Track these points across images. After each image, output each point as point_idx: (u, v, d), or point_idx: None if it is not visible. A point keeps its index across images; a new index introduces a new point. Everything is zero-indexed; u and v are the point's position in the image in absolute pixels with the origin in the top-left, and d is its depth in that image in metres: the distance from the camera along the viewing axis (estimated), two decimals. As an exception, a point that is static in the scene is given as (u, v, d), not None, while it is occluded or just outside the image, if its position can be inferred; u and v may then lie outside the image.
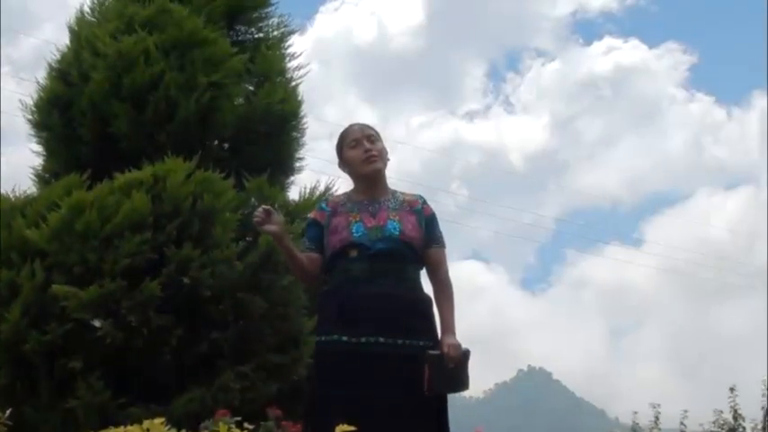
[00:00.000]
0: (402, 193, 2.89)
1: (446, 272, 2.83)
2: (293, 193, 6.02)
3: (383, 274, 2.67)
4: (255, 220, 2.64)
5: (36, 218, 4.93)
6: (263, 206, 2.66)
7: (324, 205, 2.86)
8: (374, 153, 2.81)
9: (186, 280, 4.75)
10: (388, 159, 2.88)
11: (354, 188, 2.89)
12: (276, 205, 5.09)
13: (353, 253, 2.70)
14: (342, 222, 2.76)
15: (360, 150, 2.81)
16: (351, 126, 2.91)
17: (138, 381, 4.72)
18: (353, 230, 2.73)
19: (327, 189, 5.69)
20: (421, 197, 2.92)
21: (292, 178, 6.27)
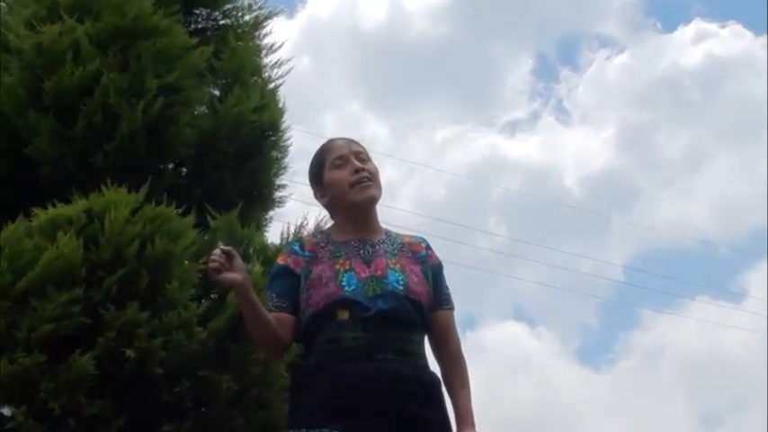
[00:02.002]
0: (398, 234, 2.91)
1: (459, 344, 2.85)
2: (273, 234, 6.35)
3: (384, 346, 2.64)
4: (212, 266, 2.56)
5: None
6: (222, 246, 2.59)
7: (297, 247, 2.83)
8: (366, 175, 2.80)
9: (130, 353, 4.62)
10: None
11: (336, 225, 2.90)
12: (252, 249, 5.22)
13: (343, 315, 2.67)
14: (326, 272, 2.73)
15: (348, 171, 2.80)
16: (332, 141, 2.92)
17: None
18: (344, 283, 2.70)
19: (317, 228, 5.62)
20: (424, 240, 2.93)
21: (272, 213, 6.33)
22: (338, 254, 2.79)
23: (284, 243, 5.61)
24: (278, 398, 5.05)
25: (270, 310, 2.72)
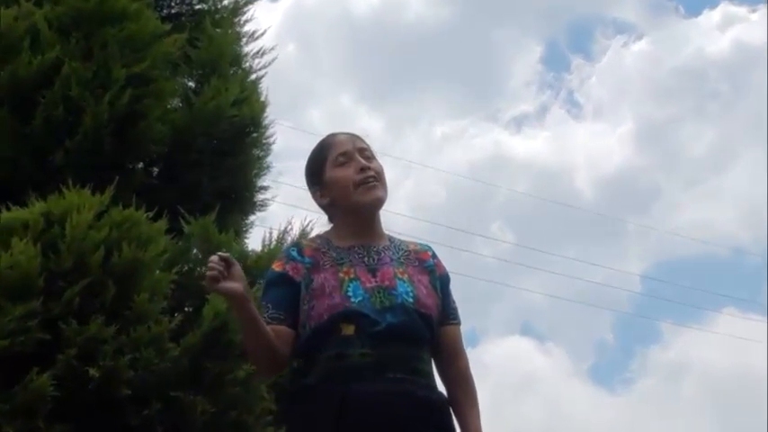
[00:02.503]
0: (402, 241, 2.91)
1: (467, 361, 2.86)
2: (254, 241, 6.17)
3: (395, 364, 2.63)
4: (210, 274, 2.53)
5: None
6: (221, 253, 2.58)
7: (295, 252, 2.80)
8: (373, 174, 2.80)
9: (94, 372, 4.54)
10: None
11: (336, 229, 2.87)
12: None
13: (348, 329, 2.65)
14: (330, 280, 2.71)
15: (352, 169, 2.79)
16: (333, 135, 2.91)
17: None
18: (349, 293, 2.69)
19: (303, 233, 5.63)
20: (430, 248, 2.94)
21: (253, 218, 6.31)
22: (341, 261, 2.77)
23: (266, 250, 5.61)
24: (259, 422, 5.06)
25: (266, 323, 2.69)
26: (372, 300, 2.70)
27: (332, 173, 2.84)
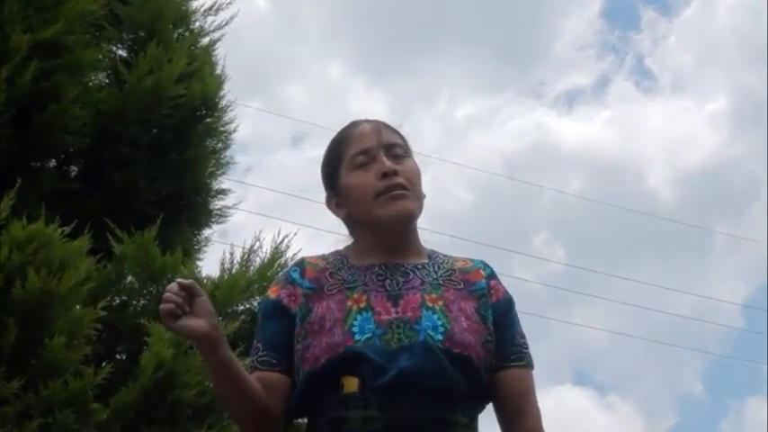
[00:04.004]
0: (447, 256, 2.79)
1: (539, 418, 2.64)
2: (210, 263, 6.02)
3: (411, 430, 2.47)
4: (166, 308, 2.41)
5: None
6: (181, 280, 2.48)
7: (297, 275, 2.69)
8: (401, 181, 2.64)
9: None
10: (424, 195, 2.78)
11: (356, 244, 2.76)
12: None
13: (351, 385, 2.49)
14: (333, 311, 2.59)
15: (373, 174, 2.66)
16: (355, 125, 2.79)
17: None
18: (355, 328, 2.54)
19: (276, 253, 5.59)
20: (486, 265, 2.78)
21: (208, 231, 6.29)
22: (353, 284, 2.62)
23: (226, 275, 5.52)
24: None
25: (254, 368, 2.59)
26: (385, 337, 2.52)
27: (348, 178, 2.71)
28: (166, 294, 2.43)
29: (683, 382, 30.12)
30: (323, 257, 2.78)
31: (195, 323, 2.43)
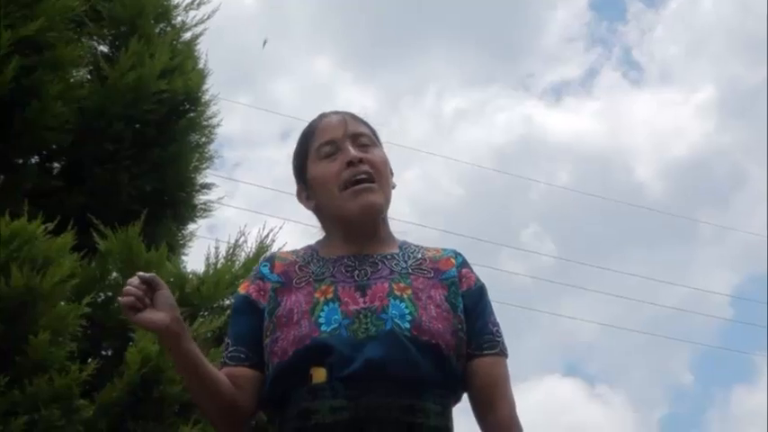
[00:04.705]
0: (418, 246, 2.82)
1: (512, 406, 2.67)
2: (195, 259, 6.26)
3: (379, 421, 2.48)
4: (126, 301, 2.46)
5: None
6: (141, 273, 2.52)
7: (266, 269, 2.74)
8: (366, 169, 2.69)
9: None
10: (394, 185, 2.84)
11: (326, 236, 2.81)
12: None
13: (319, 375, 2.52)
14: (300, 304, 2.62)
15: (339, 164, 2.71)
16: (321, 117, 2.85)
17: None
18: (321, 319, 2.57)
19: (261, 248, 5.63)
20: (457, 254, 2.83)
21: (193, 227, 6.32)
22: (321, 277, 2.66)
23: (211, 272, 5.57)
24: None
25: (224, 364, 2.62)
26: (352, 327, 2.55)
27: (314, 169, 2.75)
28: (126, 288, 2.47)
29: (672, 373, 29.78)
30: (294, 252, 2.83)
31: (156, 316, 2.47)
